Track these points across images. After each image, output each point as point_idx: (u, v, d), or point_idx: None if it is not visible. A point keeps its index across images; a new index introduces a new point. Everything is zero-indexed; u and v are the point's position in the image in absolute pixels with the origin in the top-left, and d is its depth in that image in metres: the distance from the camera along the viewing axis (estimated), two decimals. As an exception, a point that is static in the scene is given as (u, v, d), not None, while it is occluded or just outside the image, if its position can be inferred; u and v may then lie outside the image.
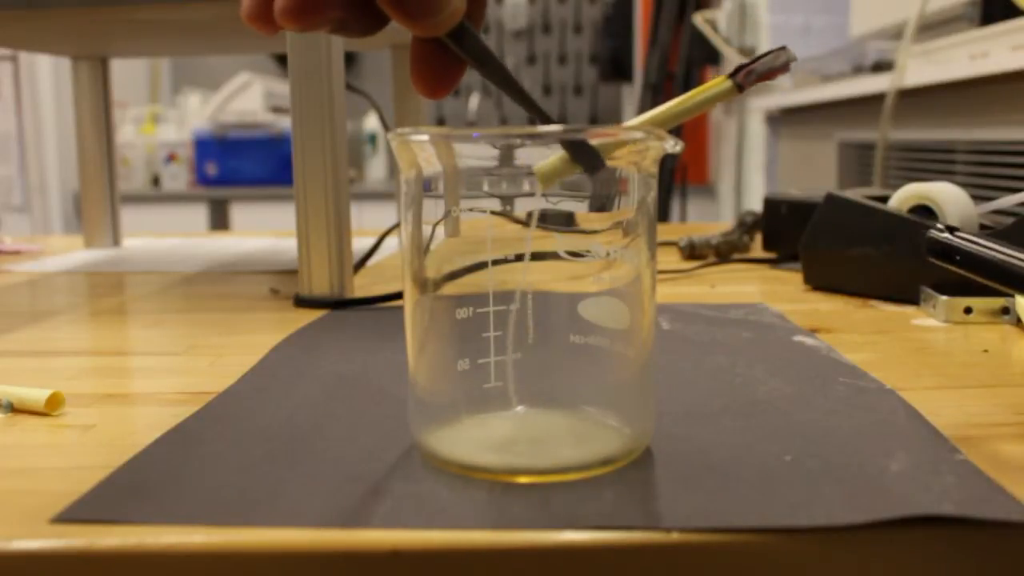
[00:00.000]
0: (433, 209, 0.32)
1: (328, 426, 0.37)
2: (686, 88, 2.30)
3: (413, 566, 0.27)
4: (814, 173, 2.03)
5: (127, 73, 3.11)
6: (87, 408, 0.41)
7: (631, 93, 3.05)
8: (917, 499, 0.28)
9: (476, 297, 0.32)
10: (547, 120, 0.32)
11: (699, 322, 0.56)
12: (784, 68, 0.32)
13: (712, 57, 2.42)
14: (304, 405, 0.40)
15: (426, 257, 0.32)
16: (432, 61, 0.32)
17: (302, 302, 0.64)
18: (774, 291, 0.69)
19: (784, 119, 2.25)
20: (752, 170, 2.43)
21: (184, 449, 0.35)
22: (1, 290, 0.76)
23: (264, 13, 0.29)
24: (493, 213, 0.31)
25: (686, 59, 2.36)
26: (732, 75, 0.32)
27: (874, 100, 1.52)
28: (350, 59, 3.03)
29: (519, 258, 0.31)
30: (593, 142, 0.30)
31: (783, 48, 0.32)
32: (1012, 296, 0.56)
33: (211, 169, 2.82)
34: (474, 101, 3.18)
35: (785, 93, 2.06)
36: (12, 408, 0.40)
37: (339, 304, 0.63)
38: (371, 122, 2.98)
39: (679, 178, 2.45)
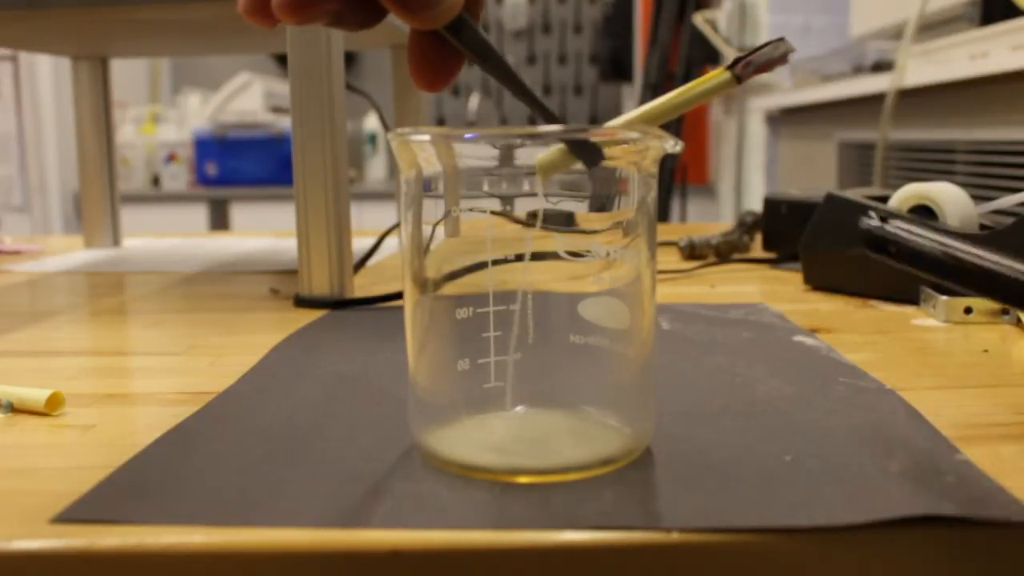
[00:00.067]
0: (433, 209, 0.32)
1: (328, 426, 0.37)
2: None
3: (413, 566, 0.27)
4: (814, 173, 2.03)
5: (127, 73, 3.11)
6: (87, 408, 0.41)
7: (631, 93, 3.05)
8: (917, 499, 0.28)
9: (476, 297, 0.32)
10: (547, 113, 0.32)
11: (699, 322, 0.56)
12: (783, 59, 0.32)
13: (712, 57, 2.42)
14: (304, 405, 0.40)
15: (426, 257, 0.32)
16: (430, 54, 0.32)
17: (302, 302, 0.64)
18: (774, 291, 0.69)
19: (784, 119, 2.25)
20: (752, 170, 2.43)
21: (184, 449, 0.35)
22: (1, 290, 0.76)
23: (262, 7, 0.29)
24: (493, 213, 0.31)
25: (686, 59, 2.36)
26: (730, 67, 0.32)
27: (874, 100, 1.52)
28: (350, 59, 3.03)
29: (519, 258, 0.31)
30: (596, 141, 0.30)
31: (781, 39, 0.32)
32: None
33: (211, 169, 2.82)
34: (474, 101, 3.18)
35: (785, 93, 2.06)
36: (12, 408, 0.40)
37: (339, 304, 0.63)
38: (371, 122, 2.98)
39: (679, 178, 2.45)
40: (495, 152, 0.30)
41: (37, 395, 0.40)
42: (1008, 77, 1.18)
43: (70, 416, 0.40)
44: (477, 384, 0.33)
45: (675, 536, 0.27)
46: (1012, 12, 1.22)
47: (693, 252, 0.85)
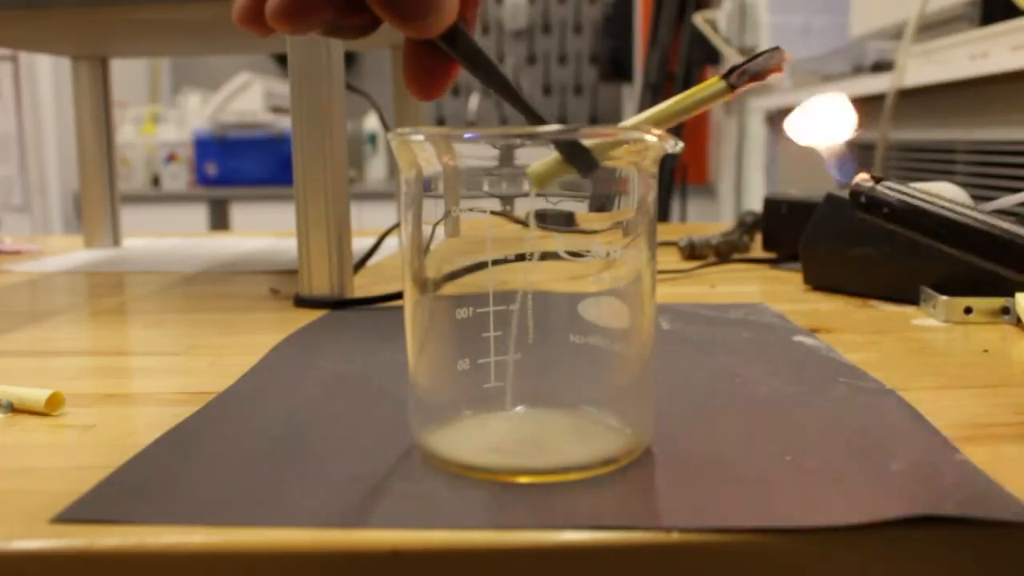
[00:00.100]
0: (433, 209, 0.32)
1: (328, 426, 0.37)
2: (686, 88, 2.30)
3: (413, 566, 0.27)
4: (814, 173, 2.03)
5: (127, 73, 3.11)
6: (87, 408, 0.41)
7: (631, 93, 3.05)
8: (917, 499, 0.28)
9: (476, 297, 0.32)
10: (540, 121, 0.32)
11: (699, 322, 0.56)
12: (777, 68, 0.32)
13: (712, 57, 2.42)
14: (304, 405, 0.40)
15: (426, 257, 0.32)
16: (425, 63, 0.32)
17: (302, 302, 0.64)
18: (774, 291, 0.69)
19: (784, 119, 2.25)
20: (752, 170, 2.43)
21: (184, 449, 0.35)
22: (1, 290, 0.76)
23: (256, 15, 0.30)
24: (493, 213, 0.31)
25: (686, 59, 2.36)
26: (726, 76, 0.32)
27: (874, 100, 1.52)
28: (350, 59, 3.03)
29: (519, 258, 0.31)
30: (590, 142, 0.30)
31: (776, 48, 0.32)
32: (1011, 295, 0.56)
33: (211, 169, 2.82)
34: (474, 101, 3.18)
35: (785, 93, 2.06)
36: (12, 408, 0.40)
37: (339, 304, 0.63)
38: (371, 122, 2.98)
39: (679, 178, 2.45)
40: (495, 152, 0.30)
41: (37, 395, 0.40)
42: (1008, 77, 1.18)
43: (70, 416, 0.40)
44: (477, 384, 0.33)
45: (675, 536, 0.27)
46: (1012, 12, 1.22)
47: (693, 252, 0.85)
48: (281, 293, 0.70)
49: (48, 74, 2.81)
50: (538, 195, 0.31)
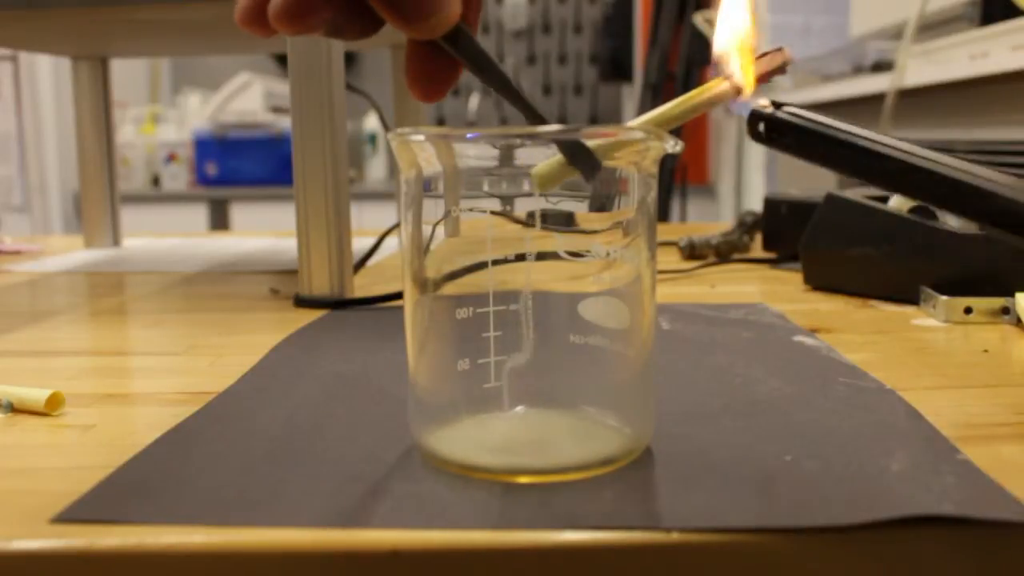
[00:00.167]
0: (433, 209, 0.32)
1: (328, 426, 0.37)
2: (686, 88, 2.30)
3: (413, 566, 0.27)
4: (814, 173, 2.03)
5: (127, 73, 3.11)
6: (87, 408, 0.41)
7: (631, 93, 3.05)
8: (917, 499, 0.28)
9: (476, 297, 0.32)
10: (542, 122, 0.32)
11: (699, 322, 0.56)
12: (781, 70, 0.32)
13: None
14: (304, 405, 0.40)
15: (426, 257, 0.32)
16: (427, 64, 0.32)
17: (302, 302, 0.64)
18: (774, 291, 0.69)
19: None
20: (752, 170, 2.43)
21: (184, 449, 0.35)
22: (1, 290, 0.76)
23: (258, 16, 0.30)
24: (493, 213, 0.31)
25: (686, 59, 2.35)
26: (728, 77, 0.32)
27: (874, 100, 1.52)
28: (350, 59, 3.03)
29: (519, 258, 0.31)
30: (592, 143, 0.30)
31: (780, 49, 0.32)
32: (1011, 295, 0.56)
33: (211, 169, 2.82)
34: (474, 101, 3.18)
35: (785, 93, 2.06)
36: (12, 408, 0.40)
37: (339, 304, 0.63)
38: (371, 122, 2.98)
39: (679, 178, 2.45)
40: (495, 152, 0.30)
41: (37, 395, 0.40)
42: (1008, 77, 1.18)
43: (70, 416, 0.40)
44: (477, 384, 0.33)
45: (675, 536, 0.27)
46: (1012, 12, 1.22)
47: (693, 252, 0.85)
48: (281, 293, 0.70)
49: (48, 74, 2.81)
50: (539, 195, 0.31)
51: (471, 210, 0.31)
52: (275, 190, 2.72)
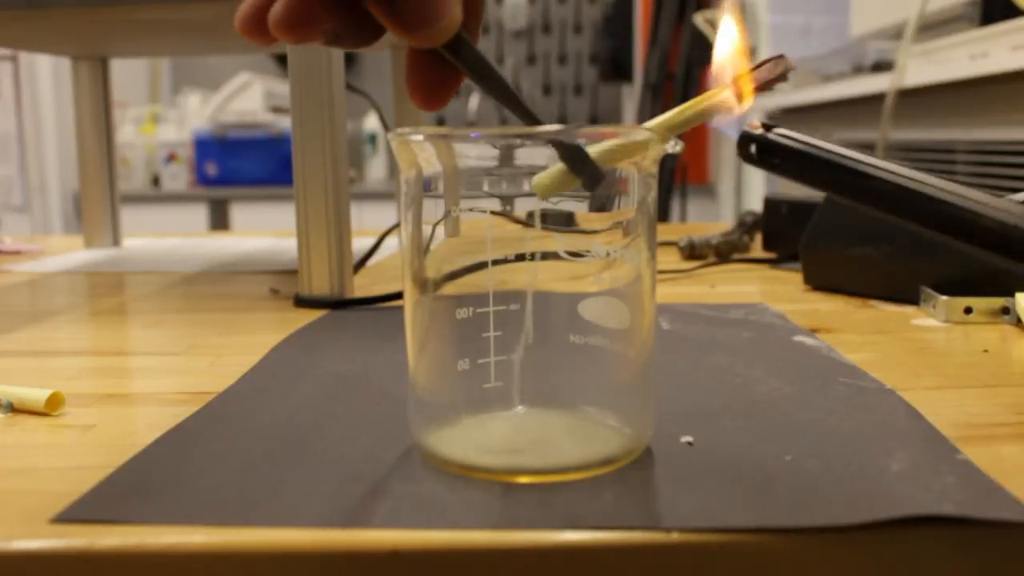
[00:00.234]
0: (433, 209, 0.32)
1: (328, 426, 0.37)
2: (686, 88, 2.30)
3: (413, 566, 0.27)
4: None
5: (127, 73, 3.11)
6: (87, 408, 0.41)
7: (631, 93, 3.05)
8: (917, 499, 0.28)
9: (476, 297, 0.32)
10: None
11: (699, 322, 0.56)
12: (782, 77, 0.32)
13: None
14: (304, 405, 0.40)
15: (426, 257, 0.32)
16: (428, 72, 0.32)
17: (302, 302, 0.64)
18: (774, 291, 0.69)
19: (784, 119, 2.25)
20: (752, 170, 2.43)
21: (184, 449, 0.35)
22: (1, 290, 0.76)
23: (258, 24, 0.30)
24: (493, 213, 0.31)
25: (686, 59, 2.35)
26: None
27: (874, 100, 1.52)
28: (350, 59, 3.03)
29: (519, 258, 0.31)
30: (595, 150, 0.30)
31: (781, 56, 0.32)
32: (1011, 295, 0.56)
33: (211, 169, 2.82)
34: (474, 101, 3.18)
35: (785, 93, 2.06)
36: (12, 408, 0.40)
37: (339, 304, 0.63)
38: (371, 122, 2.98)
39: (679, 178, 2.45)
40: (495, 152, 0.30)
41: (37, 395, 0.40)
42: (1008, 77, 1.18)
43: (70, 416, 0.40)
44: (477, 384, 0.33)
45: (675, 536, 0.27)
46: (1012, 12, 1.22)
47: (693, 252, 0.85)
48: (281, 293, 0.70)
49: (48, 74, 2.81)
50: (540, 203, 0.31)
51: (471, 210, 0.31)
52: (275, 190, 2.72)
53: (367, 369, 0.46)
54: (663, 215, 2.31)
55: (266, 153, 2.77)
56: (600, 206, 0.32)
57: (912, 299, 0.61)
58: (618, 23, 2.99)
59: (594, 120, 3.22)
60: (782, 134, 0.33)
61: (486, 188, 0.31)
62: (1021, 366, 0.47)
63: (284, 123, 2.74)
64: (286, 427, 0.37)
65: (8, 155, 2.80)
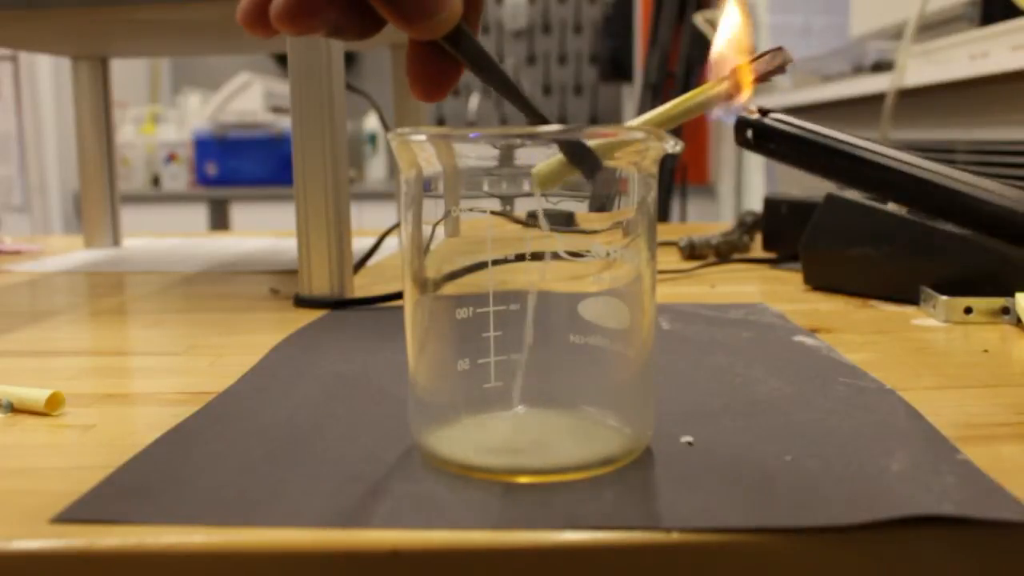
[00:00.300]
0: (433, 209, 0.32)
1: (328, 426, 0.37)
2: (686, 88, 2.30)
3: (413, 566, 0.27)
4: (814, 173, 2.02)
5: (127, 73, 3.11)
6: (87, 408, 0.41)
7: (631, 93, 3.05)
8: (917, 499, 0.28)
9: (476, 297, 0.32)
10: (543, 122, 0.32)
11: (699, 322, 0.56)
12: (780, 69, 0.32)
13: (712, 57, 2.42)
14: (304, 405, 0.40)
15: (426, 257, 0.32)
16: (428, 64, 0.32)
17: (302, 302, 0.64)
18: (774, 291, 0.69)
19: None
20: (752, 170, 2.43)
21: (184, 449, 0.35)
22: (1, 290, 0.76)
23: (260, 17, 0.30)
24: (493, 213, 0.31)
25: (686, 59, 2.35)
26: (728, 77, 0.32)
27: (874, 100, 1.52)
28: (350, 59, 3.03)
29: (519, 258, 0.31)
30: (592, 143, 0.30)
31: (779, 49, 0.32)
32: (1011, 295, 0.56)
33: (211, 169, 2.82)
34: (474, 101, 3.18)
35: (785, 93, 2.06)
36: (12, 408, 0.40)
37: (339, 304, 0.63)
38: (371, 122, 2.98)
39: (679, 178, 2.45)
40: (495, 152, 0.30)
41: (37, 395, 0.40)
42: (1008, 77, 1.18)
43: (70, 416, 0.40)
44: (477, 384, 0.33)
45: (675, 536, 0.27)
46: (1012, 12, 1.22)
47: (693, 252, 0.85)
48: (281, 293, 0.70)
49: (48, 74, 2.81)
50: (540, 195, 0.31)
51: (471, 210, 0.31)
52: (275, 190, 2.72)
53: (367, 369, 0.46)
54: (663, 215, 2.32)
55: (266, 153, 2.77)
56: (600, 206, 0.32)
57: (912, 299, 0.61)
58: (618, 23, 2.99)
59: (594, 120, 3.22)
60: (778, 119, 0.33)
61: (486, 188, 0.31)
62: (1021, 366, 0.47)
63: (284, 123, 2.74)
64: (286, 427, 0.37)
65: (8, 155, 2.80)
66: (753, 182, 2.41)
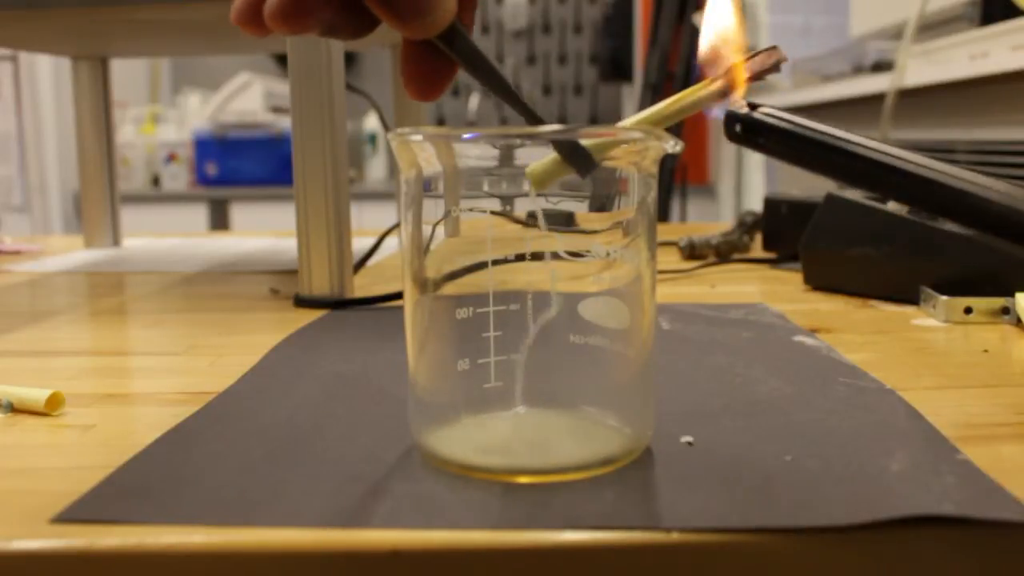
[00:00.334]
0: (433, 209, 0.32)
1: (328, 426, 0.37)
2: (685, 88, 2.29)
3: (413, 566, 0.27)
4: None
5: (127, 73, 3.11)
6: (87, 408, 0.41)
7: (631, 93, 3.05)
8: (917, 499, 0.28)
9: (476, 297, 0.32)
10: (539, 122, 0.32)
11: (699, 322, 0.56)
12: (775, 68, 0.32)
13: (712, 57, 2.42)
14: (304, 405, 0.40)
15: (426, 257, 0.32)
16: (423, 63, 0.32)
17: (302, 302, 0.64)
18: (774, 291, 0.69)
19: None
20: (752, 170, 2.43)
21: (184, 449, 0.35)
22: (1, 290, 0.76)
23: (254, 15, 0.30)
24: (493, 213, 0.31)
25: (686, 59, 2.35)
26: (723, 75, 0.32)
27: (874, 100, 1.52)
28: (350, 59, 3.03)
29: (519, 258, 0.31)
30: (589, 143, 0.30)
31: (774, 47, 0.32)
32: (1011, 295, 0.56)
33: (211, 169, 2.82)
34: (474, 101, 3.18)
35: (785, 93, 2.06)
36: (12, 408, 0.40)
37: (339, 304, 0.63)
38: (371, 122, 2.98)
39: (679, 178, 2.45)
40: (495, 152, 0.30)
41: (37, 395, 0.40)
42: (1008, 77, 1.18)
43: (70, 416, 0.40)
44: (477, 384, 0.33)
45: (675, 536, 0.27)
46: (1012, 12, 1.22)
47: (693, 252, 0.85)
48: (281, 293, 0.70)
49: (48, 74, 2.81)
50: (538, 195, 0.31)
51: (471, 210, 0.31)
52: (275, 190, 2.72)
53: (367, 369, 0.46)
54: (663, 215, 2.31)
55: (266, 153, 2.77)
56: (600, 206, 0.32)
57: (912, 299, 0.61)
58: (618, 23, 2.99)
59: (594, 120, 3.22)
60: (768, 113, 0.33)
61: (486, 188, 0.31)
62: (1021, 366, 0.47)
63: (284, 123, 2.74)
64: (286, 427, 0.37)
65: (8, 155, 2.80)
66: (753, 182, 2.41)
